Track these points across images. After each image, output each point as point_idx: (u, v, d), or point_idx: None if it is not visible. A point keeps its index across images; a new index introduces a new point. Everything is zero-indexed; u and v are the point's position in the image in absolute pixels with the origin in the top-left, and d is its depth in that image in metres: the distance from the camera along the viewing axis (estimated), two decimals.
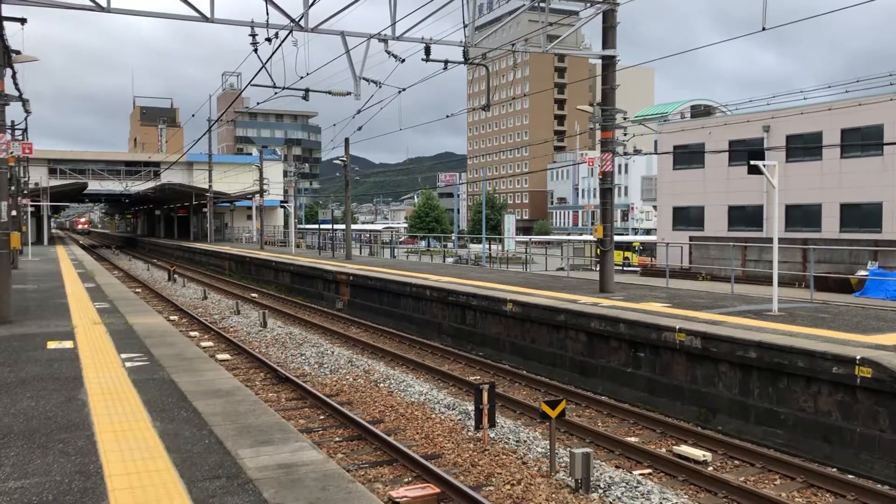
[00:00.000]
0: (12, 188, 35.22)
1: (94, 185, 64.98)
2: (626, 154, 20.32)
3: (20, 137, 32.69)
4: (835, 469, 9.93)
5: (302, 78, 19.88)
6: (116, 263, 49.95)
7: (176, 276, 37.94)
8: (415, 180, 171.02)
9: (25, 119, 30.23)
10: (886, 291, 24.23)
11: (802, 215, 34.14)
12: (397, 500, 8.43)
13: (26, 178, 44.76)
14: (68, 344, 11.80)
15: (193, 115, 39.63)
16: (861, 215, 32.33)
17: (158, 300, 28.91)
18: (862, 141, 31.79)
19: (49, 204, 55.49)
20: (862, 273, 25.72)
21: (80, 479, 5.75)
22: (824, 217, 33.55)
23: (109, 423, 7.29)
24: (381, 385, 14.40)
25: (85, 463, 6.13)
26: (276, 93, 19.89)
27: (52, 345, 11.73)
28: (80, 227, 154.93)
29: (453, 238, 68.10)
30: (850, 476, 9.65)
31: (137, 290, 31.22)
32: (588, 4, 18.52)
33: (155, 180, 65.53)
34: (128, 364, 10.24)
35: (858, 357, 10.04)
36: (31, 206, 47.34)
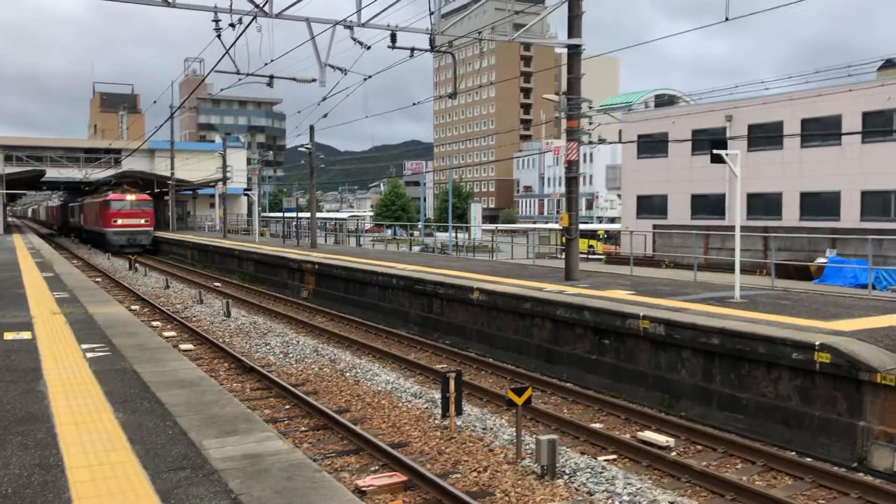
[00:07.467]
0: None
1: (52, 173, 63.45)
2: (591, 143, 20.42)
3: None
4: (793, 453, 10.14)
5: (266, 64, 19.65)
6: (76, 252, 49.02)
7: (137, 265, 37.35)
8: (380, 168, 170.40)
9: None
10: (844, 278, 24.77)
11: (763, 204, 34.69)
12: (364, 488, 8.42)
13: None
14: (26, 335, 11.54)
15: (155, 102, 39.14)
16: (820, 204, 32.98)
17: (119, 290, 28.45)
18: (821, 131, 32.37)
19: (5, 192, 54.16)
20: (821, 260, 26.26)
21: (41, 473, 5.63)
22: (785, 205, 34.14)
23: (70, 415, 7.16)
24: (348, 374, 14.35)
25: (45, 456, 6.01)
26: (240, 79, 19.63)
27: (9, 335, 11.46)
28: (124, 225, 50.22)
29: (420, 226, 68.02)
30: (808, 459, 9.86)
31: (98, 279, 30.68)
32: None
33: (115, 168, 64.29)
34: (89, 354, 10.05)
35: (818, 343, 10.24)
36: None
